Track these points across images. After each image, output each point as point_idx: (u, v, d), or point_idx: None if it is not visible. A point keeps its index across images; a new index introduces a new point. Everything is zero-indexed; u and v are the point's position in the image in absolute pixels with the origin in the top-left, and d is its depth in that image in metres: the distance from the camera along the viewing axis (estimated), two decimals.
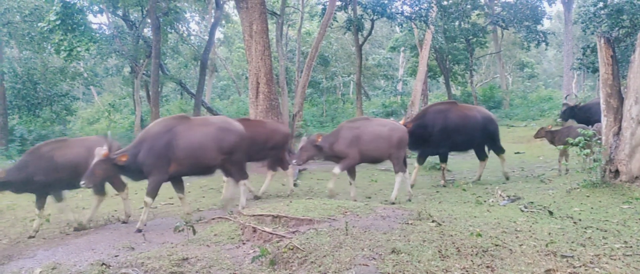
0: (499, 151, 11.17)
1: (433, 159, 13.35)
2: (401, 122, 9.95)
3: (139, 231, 6.91)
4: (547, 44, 26.11)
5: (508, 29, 28.14)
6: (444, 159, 10.81)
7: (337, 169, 8.47)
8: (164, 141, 7.15)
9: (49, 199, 7.60)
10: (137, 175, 7.28)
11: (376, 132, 8.58)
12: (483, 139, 10.88)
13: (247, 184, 8.29)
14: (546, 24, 35.58)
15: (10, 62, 22.22)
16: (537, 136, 11.51)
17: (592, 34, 15.86)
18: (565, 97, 15.41)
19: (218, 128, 7.58)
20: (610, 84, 7.76)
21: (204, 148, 7.37)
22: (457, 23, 27.11)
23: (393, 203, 8.11)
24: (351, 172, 8.78)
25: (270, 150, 9.76)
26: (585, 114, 13.49)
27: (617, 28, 14.31)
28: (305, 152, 8.30)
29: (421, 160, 10.77)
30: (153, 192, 7.19)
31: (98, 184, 7.40)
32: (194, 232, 6.08)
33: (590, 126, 11.48)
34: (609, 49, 7.80)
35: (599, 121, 12.12)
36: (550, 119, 21.30)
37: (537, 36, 25.50)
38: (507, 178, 10.89)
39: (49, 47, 20.94)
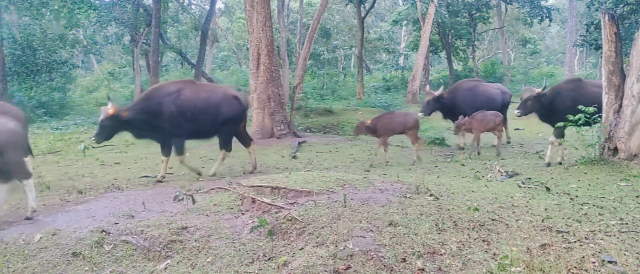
0: (245, 142, 9.70)
1: (432, 134, 13.38)
2: (110, 111, 8.15)
3: None
4: (550, 20, 25.90)
5: (512, 4, 27.90)
6: (179, 151, 8.82)
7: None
8: None
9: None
10: None
11: None
12: (222, 125, 9.04)
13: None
14: None
15: (10, 27, 22.01)
16: (356, 132, 10.73)
17: (596, 10, 15.71)
18: (427, 88, 13.49)
19: None
20: (612, 62, 7.72)
21: None
22: None
23: (29, 218, 5.98)
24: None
25: None
26: (451, 104, 12.28)
27: (621, 5, 14.15)
28: None
29: (179, 150, 8.84)
30: None
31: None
32: (194, 201, 6.13)
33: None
34: (613, 26, 7.74)
35: (465, 113, 10.85)
36: None
37: (541, 12, 25.27)
38: (247, 172, 9.45)
39: (48, 14, 20.74)
